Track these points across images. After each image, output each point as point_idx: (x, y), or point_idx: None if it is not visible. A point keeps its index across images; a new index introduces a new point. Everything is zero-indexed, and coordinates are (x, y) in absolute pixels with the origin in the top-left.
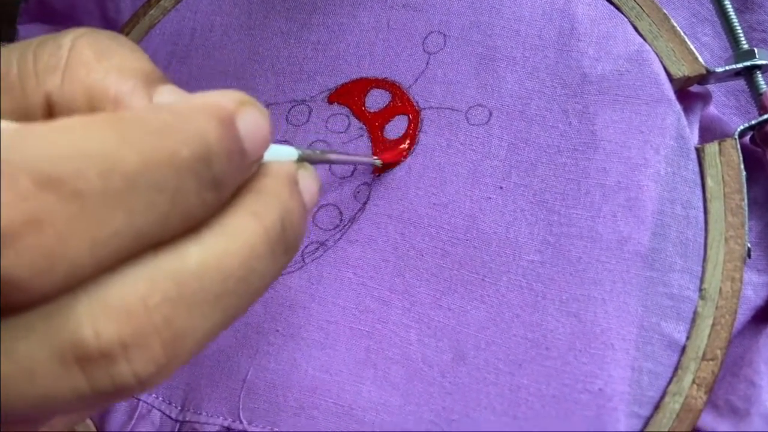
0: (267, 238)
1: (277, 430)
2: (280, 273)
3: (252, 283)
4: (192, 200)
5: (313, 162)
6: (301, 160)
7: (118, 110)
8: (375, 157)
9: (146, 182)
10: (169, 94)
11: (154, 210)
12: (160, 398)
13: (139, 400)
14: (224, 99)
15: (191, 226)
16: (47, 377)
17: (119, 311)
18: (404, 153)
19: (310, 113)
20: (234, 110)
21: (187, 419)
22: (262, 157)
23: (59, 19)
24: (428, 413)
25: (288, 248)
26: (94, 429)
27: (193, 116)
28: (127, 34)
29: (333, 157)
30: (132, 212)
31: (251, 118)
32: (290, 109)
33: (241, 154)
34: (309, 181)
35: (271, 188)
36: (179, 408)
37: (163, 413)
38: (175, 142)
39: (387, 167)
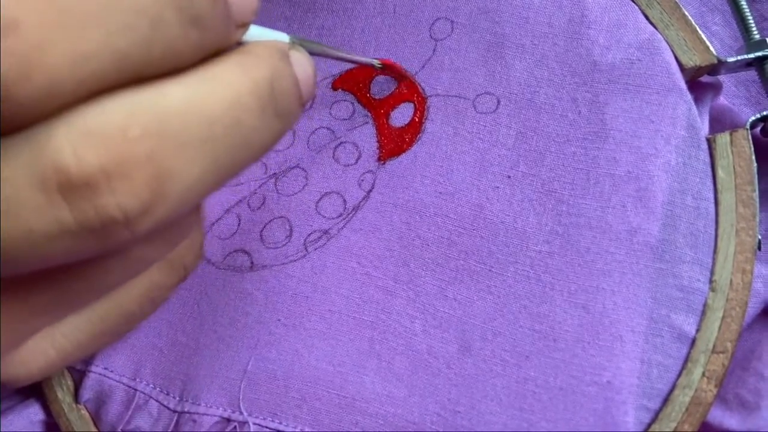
0: (255, 90)
1: (278, 421)
2: (273, 143)
3: (242, 136)
4: (174, 32)
5: (309, 52)
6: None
7: None
8: (375, 60)
9: (124, 2)
10: None
11: (133, 33)
12: (158, 389)
13: (135, 390)
14: None
15: (176, 65)
16: (30, 207)
17: (99, 138)
18: (401, 69)
19: (313, 99)
20: None
21: (185, 410)
22: (247, 23)
23: None
24: (433, 405)
25: (278, 112)
26: (90, 420)
27: None
28: None
29: (328, 50)
30: (110, 31)
31: None
32: None
33: (226, 6)
34: (302, 59)
35: (260, 51)
36: (177, 398)
37: (161, 404)
38: None
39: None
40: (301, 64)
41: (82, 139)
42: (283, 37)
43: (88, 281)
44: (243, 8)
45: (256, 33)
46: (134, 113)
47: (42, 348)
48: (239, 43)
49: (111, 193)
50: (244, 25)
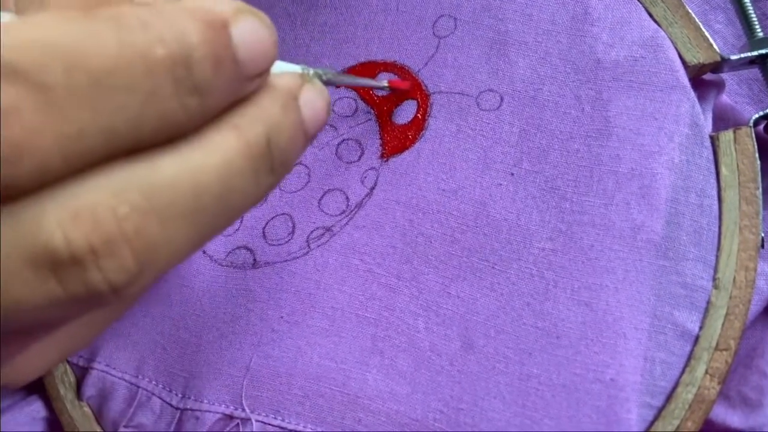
0: (249, 154)
1: (280, 418)
2: (266, 193)
3: (231, 201)
4: (170, 105)
5: (325, 82)
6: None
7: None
8: (384, 82)
9: (114, 81)
10: None
11: (124, 111)
12: (160, 385)
13: (138, 387)
14: (219, 4)
15: (174, 134)
16: (20, 281)
17: (87, 218)
18: (409, 86)
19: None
20: (228, 17)
21: (188, 407)
22: (265, 72)
23: None
24: (436, 402)
25: (274, 168)
26: (92, 417)
27: (178, 17)
28: None
29: (344, 79)
30: (99, 111)
31: (249, 27)
32: None
33: (234, 64)
34: (312, 95)
35: (259, 101)
36: (180, 395)
37: (164, 401)
38: (149, 41)
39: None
40: (312, 100)
41: (70, 220)
42: (294, 70)
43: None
44: (256, 60)
45: (279, 68)
46: (123, 191)
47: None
48: None
49: (98, 270)
50: (261, 75)
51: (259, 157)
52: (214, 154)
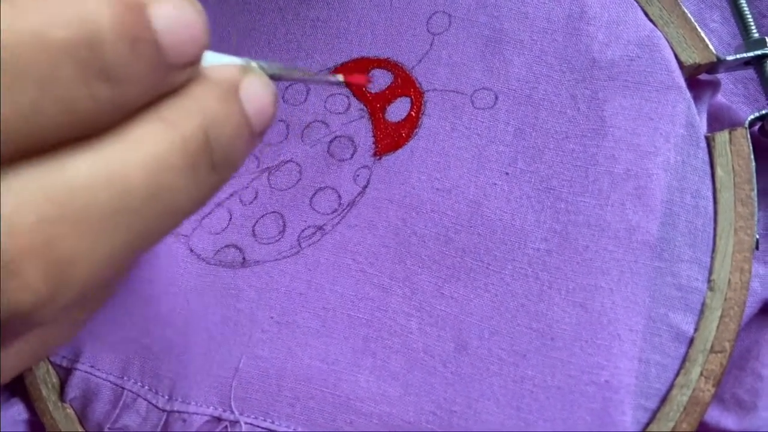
0: (183, 149)
1: (270, 420)
2: (212, 194)
3: (166, 202)
4: (74, 94)
5: (270, 76)
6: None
7: None
8: (338, 76)
9: (13, 71)
10: None
11: (18, 98)
12: (146, 387)
13: (123, 388)
14: None
15: (88, 130)
16: None
17: None
18: (366, 81)
19: (308, 92)
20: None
21: (174, 409)
22: (194, 61)
23: None
24: (429, 404)
25: (216, 165)
26: (75, 419)
27: None
28: None
29: (290, 73)
30: None
31: (172, 8)
32: (287, 88)
33: (155, 49)
34: (256, 87)
35: (193, 93)
36: (167, 397)
37: (150, 402)
38: (47, 21)
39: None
40: (255, 94)
41: None
42: (234, 62)
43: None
44: (183, 46)
45: (214, 61)
46: (26, 198)
47: None
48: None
49: (3, 293)
50: (190, 64)
51: (196, 152)
52: (137, 150)
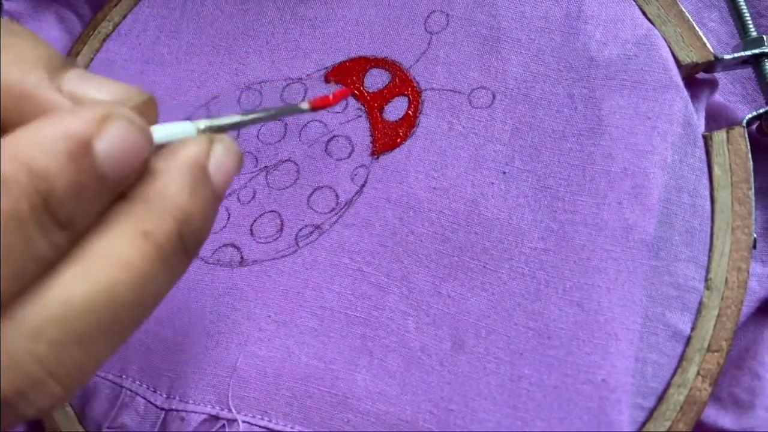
0: (161, 256)
1: (267, 419)
2: (182, 274)
3: (148, 300)
4: (42, 248)
5: (224, 130)
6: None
7: (30, 105)
8: (303, 104)
9: None
10: (77, 81)
11: (9, 266)
12: (145, 385)
13: (122, 387)
14: (80, 120)
15: (49, 266)
16: None
17: (9, 367)
18: (331, 102)
19: (305, 92)
20: (91, 133)
21: (173, 407)
22: (139, 169)
23: None
24: (426, 403)
25: (188, 251)
26: (74, 418)
27: (34, 157)
28: (115, 6)
29: (249, 118)
30: None
31: (115, 136)
32: (285, 87)
33: (99, 181)
34: (221, 156)
35: (164, 192)
36: (165, 396)
37: (148, 401)
38: (13, 199)
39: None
40: (222, 164)
41: None
42: (188, 131)
43: None
44: (125, 166)
45: (165, 133)
46: (38, 330)
47: None
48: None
49: (28, 405)
50: (135, 172)
51: (171, 253)
52: (127, 269)
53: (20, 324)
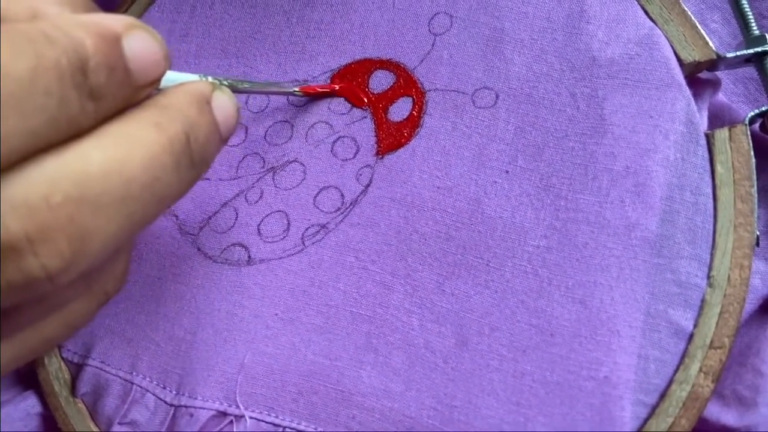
0: (171, 148)
1: (274, 415)
2: (189, 187)
3: (157, 192)
4: (74, 107)
5: (232, 90)
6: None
7: None
8: (294, 88)
9: (34, 88)
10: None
11: (45, 112)
12: (154, 382)
13: (132, 384)
14: (111, 20)
15: (76, 132)
16: None
17: (23, 208)
18: (319, 91)
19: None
20: (120, 31)
21: (182, 404)
22: (156, 80)
23: None
24: (430, 399)
25: (194, 162)
26: (86, 414)
27: (74, 30)
28: (126, 11)
29: (250, 87)
30: (25, 114)
31: (139, 41)
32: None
33: (126, 72)
34: (223, 100)
35: (176, 103)
36: (174, 392)
37: (158, 397)
38: (57, 54)
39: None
40: (223, 105)
41: (7, 211)
42: (193, 78)
43: (12, 320)
44: (147, 70)
45: (175, 78)
46: (56, 181)
47: None
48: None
49: (34, 256)
50: (153, 83)
51: (180, 151)
52: (139, 148)
53: (41, 170)
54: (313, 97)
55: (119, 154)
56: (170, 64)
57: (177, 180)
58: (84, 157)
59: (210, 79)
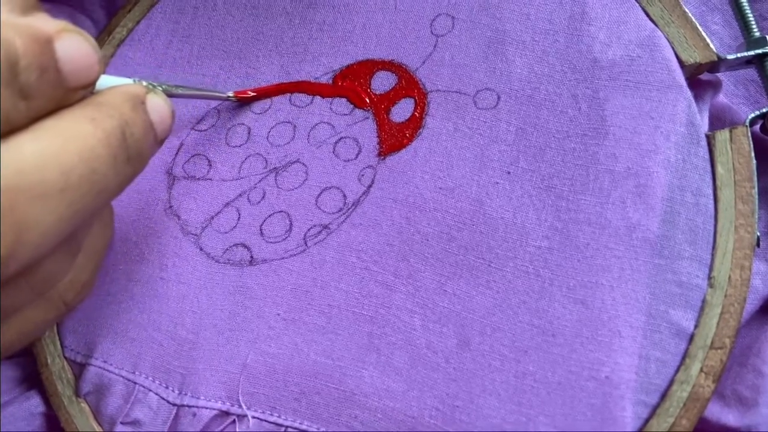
0: (107, 141)
1: (276, 414)
2: (127, 183)
3: (96, 184)
4: (7, 104)
5: (167, 94)
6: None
7: None
8: (229, 93)
9: None
10: (44, 19)
11: None
12: (157, 382)
13: (135, 383)
14: (44, 23)
15: (9, 130)
16: None
17: None
18: (253, 96)
19: (314, 96)
20: (52, 34)
21: (184, 403)
22: (90, 83)
23: None
24: (432, 399)
25: (131, 157)
26: (90, 414)
27: (6, 31)
28: (128, 12)
29: (184, 92)
30: None
31: (72, 44)
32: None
33: (57, 73)
34: (158, 102)
35: (111, 101)
36: (177, 392)
37: (160, 397)
38: None
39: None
40: (157, 107)
41: None
42: (128, 81)
43: None
44: (79, 73)
45: (111, 82)
46: None
47: None
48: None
49: None
50: (86, 86)
51: (116, 146)
52: (75, 140)
53: None
54: (246, 102)
55: (54, 145)
56: (104, 68)
57: (114, 173)
58: (19, 148)
59: (144, 83)
